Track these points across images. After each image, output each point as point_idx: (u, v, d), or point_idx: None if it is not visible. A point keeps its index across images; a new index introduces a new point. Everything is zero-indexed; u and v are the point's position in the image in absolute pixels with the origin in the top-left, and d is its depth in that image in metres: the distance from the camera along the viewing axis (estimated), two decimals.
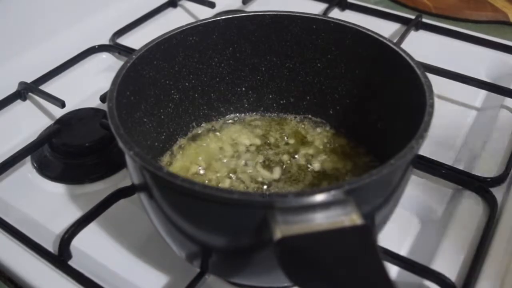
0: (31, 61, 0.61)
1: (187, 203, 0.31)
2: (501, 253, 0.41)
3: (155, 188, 0.32)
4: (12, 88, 0.57)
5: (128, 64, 0.38)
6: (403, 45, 0.50)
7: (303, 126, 0.48)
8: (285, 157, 0.45)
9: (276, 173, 0.43)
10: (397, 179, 0.33)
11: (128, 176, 0.38)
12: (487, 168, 0.49)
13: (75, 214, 0.45)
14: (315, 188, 0.42)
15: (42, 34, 0.63)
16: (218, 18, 0.44)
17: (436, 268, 0.38)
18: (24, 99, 0.58)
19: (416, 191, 0.46)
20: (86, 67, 0.63)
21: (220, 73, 0.46)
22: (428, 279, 0.38)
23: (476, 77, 0.57)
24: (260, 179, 0.43)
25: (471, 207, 0.45)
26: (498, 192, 0.46)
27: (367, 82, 0.44)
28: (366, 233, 0.28)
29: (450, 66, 0.58)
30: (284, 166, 0.44)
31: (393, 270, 0.40)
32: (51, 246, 0.42)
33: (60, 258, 0.41)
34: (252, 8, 0.74)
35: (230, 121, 0.48)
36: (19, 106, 0.57)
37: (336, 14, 0.72)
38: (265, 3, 0.74)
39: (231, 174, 0.43)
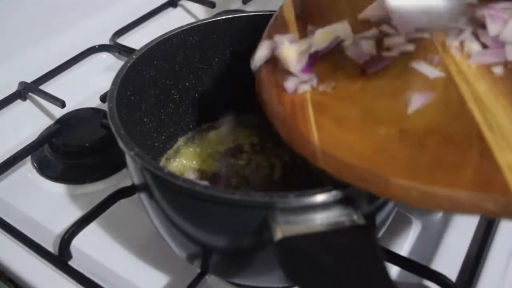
0: (31, 61, 0.61)
1: (188, 203, 0.31)
2: (502, 253, 0.41)
3: (156, 189, 0.32)
4: (12, 88, 0.57)
5: (129, 64, 0.38)
6: None
7: None
8: (286, 157, 0.44)
9: (277, 173, 0.43)
10: None
11: (128, 176, 0.38)
12: None
13: (75, 214, 0.45)
14: (316, 188, 0.42)
15: (42, 34, 0.63)
16: (218, 18, 0.44)
17: (436, 268, 0.38)
18: (24, 99, 0.58)
19: None
20: (86, 67, 0.63)
21: (220, 73, 0.46)
22: (428, 279, 0.38)
23: None
24: (261, 179, 0.43)
25: None
26: None
27: None
28: (367, 233, 0.28)
29: None
30: (285, 167, 0.44)
31: (393, 270, 0.40)
32: (51, 246, 0.42)
33: (60, 258, 0.41)
34: (252, 8, 0.74)
35: (231, 121, 0.48)
36: (19, 106, 0.57)
37: None
38: (265, 3, 0.74)
39: (231, 174, 0.43)
